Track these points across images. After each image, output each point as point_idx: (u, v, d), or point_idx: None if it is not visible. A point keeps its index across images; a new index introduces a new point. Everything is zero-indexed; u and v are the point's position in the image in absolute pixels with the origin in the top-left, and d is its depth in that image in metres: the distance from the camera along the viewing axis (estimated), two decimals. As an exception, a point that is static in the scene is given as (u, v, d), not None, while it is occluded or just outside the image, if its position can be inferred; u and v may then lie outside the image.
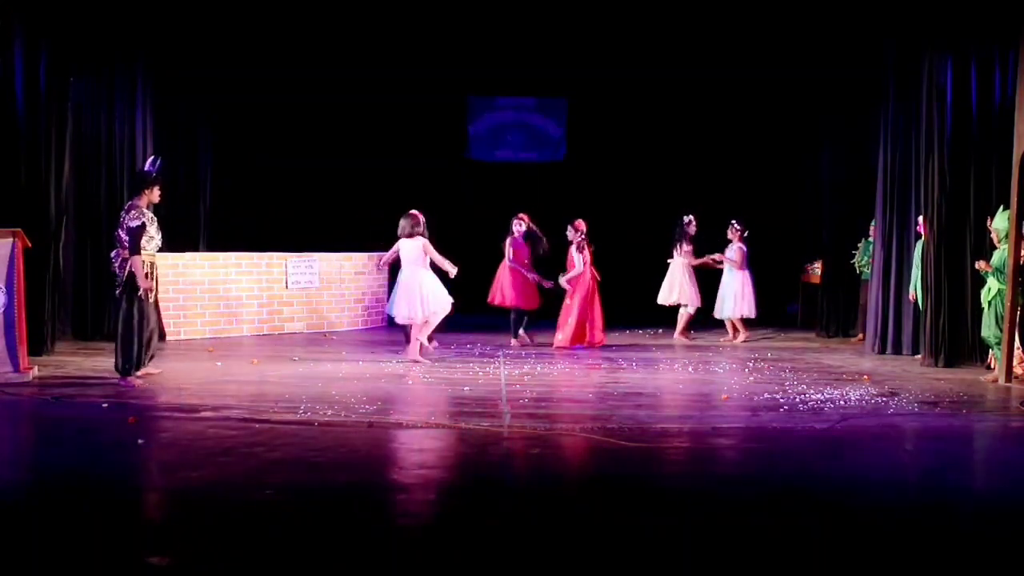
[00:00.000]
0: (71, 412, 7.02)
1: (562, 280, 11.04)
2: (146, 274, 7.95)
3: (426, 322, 9.67)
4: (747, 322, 12.00)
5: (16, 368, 8.13)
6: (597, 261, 11.27)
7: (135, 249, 7.86)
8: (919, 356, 10.19)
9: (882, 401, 7.77)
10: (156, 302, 8.42)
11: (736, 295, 11.85)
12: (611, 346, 11.20)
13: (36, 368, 8.49)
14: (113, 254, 8.07)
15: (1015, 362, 8.68)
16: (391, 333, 11.99)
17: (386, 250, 10.21)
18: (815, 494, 5.24)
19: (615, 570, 4.05)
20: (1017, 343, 8.64)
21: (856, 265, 12.20)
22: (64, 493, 5.01)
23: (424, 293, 9.55)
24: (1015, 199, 8.56)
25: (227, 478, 5.28)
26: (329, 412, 6.94)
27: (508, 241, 11.16)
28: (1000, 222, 8.76)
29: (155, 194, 8.11)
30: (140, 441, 6.10)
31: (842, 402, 7.67)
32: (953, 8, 9.72)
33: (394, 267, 10.41)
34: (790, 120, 13.72)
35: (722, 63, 13.29)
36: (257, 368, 9.27)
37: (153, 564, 4.02)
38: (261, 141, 14.07)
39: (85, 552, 4.16)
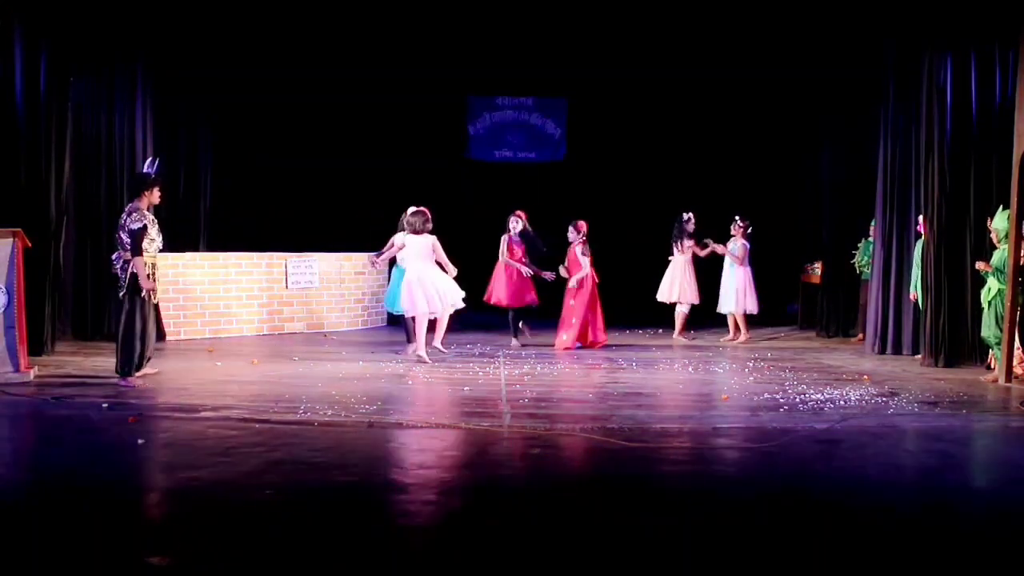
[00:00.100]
0: (71, 412, 7.02)
1: (572, 281, 11.04)
2: (148, 275, 7.98)
3: (436, 320, 9.71)
4: (749, 320, 12.00)
5: (16, 368, 8.14)
6: (597, 261, 11.27)
7: (137, 251, 7.89)
8: (919, 356, 10.19)
9: (882, 401, 7.77)
10: (156, 303, 8.44)
11: (738, 291, 11.86)
12: (611, 346, 11.19)
13: (36, 368, 8.50)
14: (114, 256, 8.09)
15: (1015, 362, 8.68)
16: (391, 333, 12.00)
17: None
18: (815, 494, 5.25)
19: (615, 570, 4.05)
20: (1017, 343, 8.64)
21: (856, 265, 12.20)
22: (64, 493, 5.01)
23: (440, 287, 9.63)
24: (1015, 199, 8.56)
25: (227, 478, 5.27)
26: (329, 412, 6.95)
27: (504, 239, 11.15)
28: (1000, 222, 8.76)
29: (155, 195, 8.14)
30: (140, 441, 6.10)
31: (842, 402, 7.67)
32: (953, 7, 9.72)
33: (388, 263, 10.44)
34: (790, 120, 13.71)
35: (722, 63, 13.28)
36: (257, 368, 9.27)
37: (153, 564, 4.02)
38: (261, 141, 14.06)
39: (85, 552, 4.16)
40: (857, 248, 12.17)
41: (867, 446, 6.28)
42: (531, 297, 11.15)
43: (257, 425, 6.55)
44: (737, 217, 11.99)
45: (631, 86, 14.16)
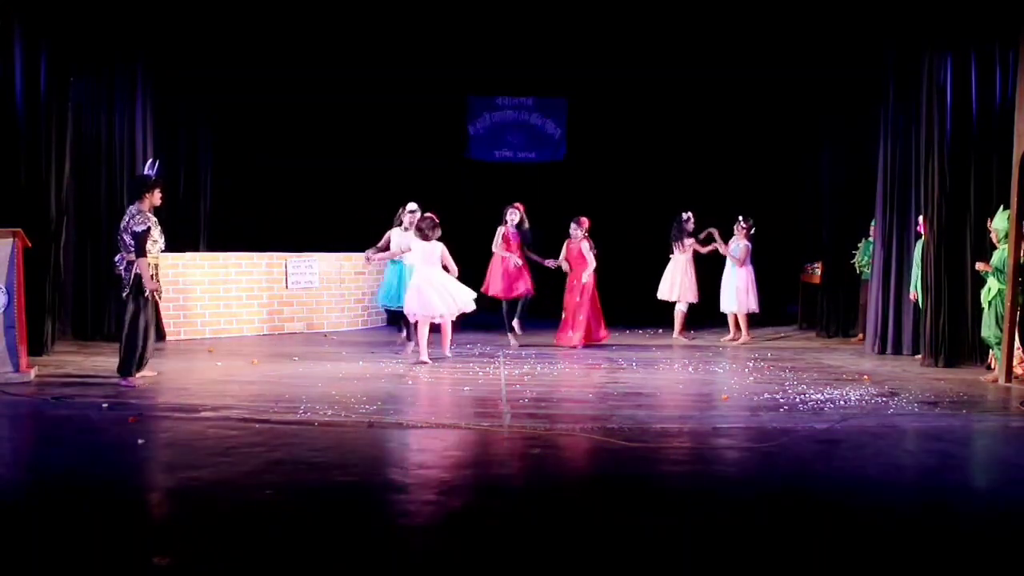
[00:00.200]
0: (71, 412, 7.02)
1: (585, 277, 11.07)
2: (151, 276, 8.00)
3: (441, 325, 9.73)
4: (750, 319, 11.99)
5: (16, 368, 8.14)
6: (597, 261, 11.28)
7: (141, 252, 7.91)
8: (919, 356, 10.19)
9: (882, 401, 7.77)
10: (156, 303, 8.47)
11: (739, 290, 11.85)
12: (611, 346, 11.20)
13: (36, 368, 8.50)
14: (117, 258, 8.11)
15: (1015, 362, 8.68)
16: (391, 333, 11.99)
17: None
18: (815, 494, 5.25)
19: (615, 570, 4.05)
20: (1017, 343, 8.64)
21: (856, 265, 12.20)
22: (64, 493, 5.01)
23: (452, 289, 9.68)
24: (1015, 199, 8.56)
25: (227, 478, 5.28)
26: (329, 412, 6.95)
27: (500, 230, 11.14)
28: (1000, 222, 8.76)
29: (156, 197, 8.16)
30: (140, 441, 6.11)
31: (842, 402, 7.67)
32: (953, 7, 9.72)
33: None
34: (790, 120, 13.70)
35: (722, 63, 13.28)
36: (257, 368, 9.27)
37: (153, 564, 4.02)
38: (261, 141, 14.05)
39: (85, 552, 4.16)
40: (857, 248, 12.17)
41: (867, 446, 6.28)
42: (524, 288, 11.11)
43: (257, 425, 6.55)
44: (740, 217, 11.99)
45: (631, 86, 14.15)
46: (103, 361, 9.20)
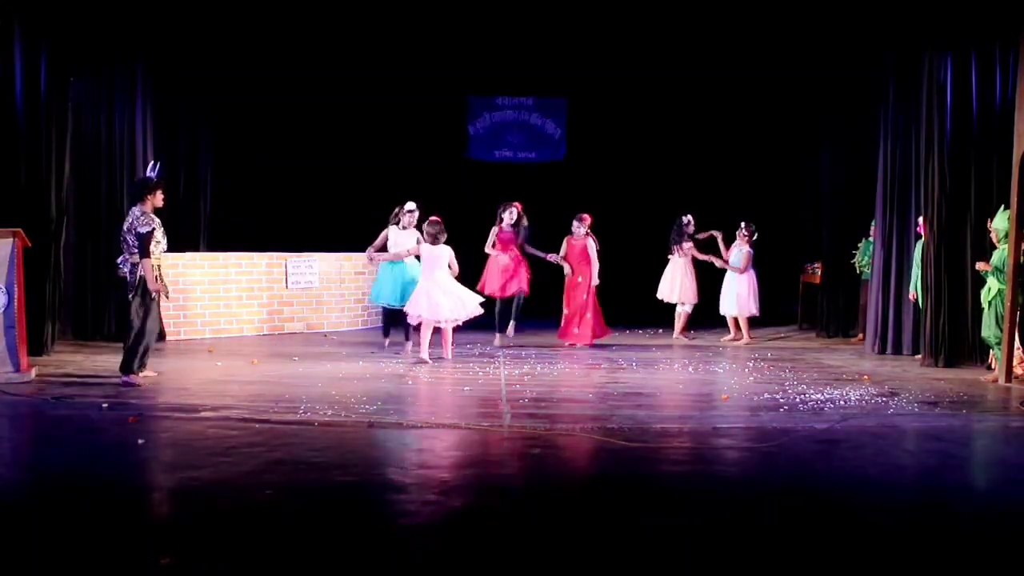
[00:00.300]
0: (71, 412, 7.02)
1: (596, 278, 11.10)
2: (155, 276, 8.01)
3: (448, 323, 9.76)
4: (750, 321, 11.99)
5: (16, 368, 8.14)
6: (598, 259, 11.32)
7: (145, 253, 7.93)
8: (919, 356, 10.19)
9: (882, 401, 7.77)
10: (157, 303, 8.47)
11: (740, 295, 11.84)
12: (611, 346, 11.20)
13: (36, 368, 8.50)
14: (120, 260, 8.12)
15: (1015, 362, 8.68)
16: (391, 333, 11.97)
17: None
18: (815, 494, 5.25)
19: (615, 570, 4.05)
20: (1017, 343, 8.64)
21: (856, 265, 12.20)
22: (64, 493, 5.01)
23: (460, 293, 9.70)
24: (1015, 199, 8.56)
25: (227, 478, 5.28)
26: (329, 412, 6.95)
27: (493, 230, 11.13)
28: (1000, 222, 8.76)
29: (158, 198, 8.17)
30: (140, 441, 6.11)
31: (842, 402, 7.67)
32: (953, 8, 9.72)
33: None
34: (790, 120, 13.70)
35: (722, 63, 13.28)
36: (257, 368, 9.27)
37: (155, 564, 4.02)
38: (261, 141, 14.06)
39: (85, 552, 4.16)
40: (857, 248, 12.17)
41: (867, 446, 6.28)
42: (517, 287, 11.09)
43: (257, 425, 6.55)
44: (743, 223, 11.97)
45: (631, 86, 14.15)
46: (103, 361, 9.21)
